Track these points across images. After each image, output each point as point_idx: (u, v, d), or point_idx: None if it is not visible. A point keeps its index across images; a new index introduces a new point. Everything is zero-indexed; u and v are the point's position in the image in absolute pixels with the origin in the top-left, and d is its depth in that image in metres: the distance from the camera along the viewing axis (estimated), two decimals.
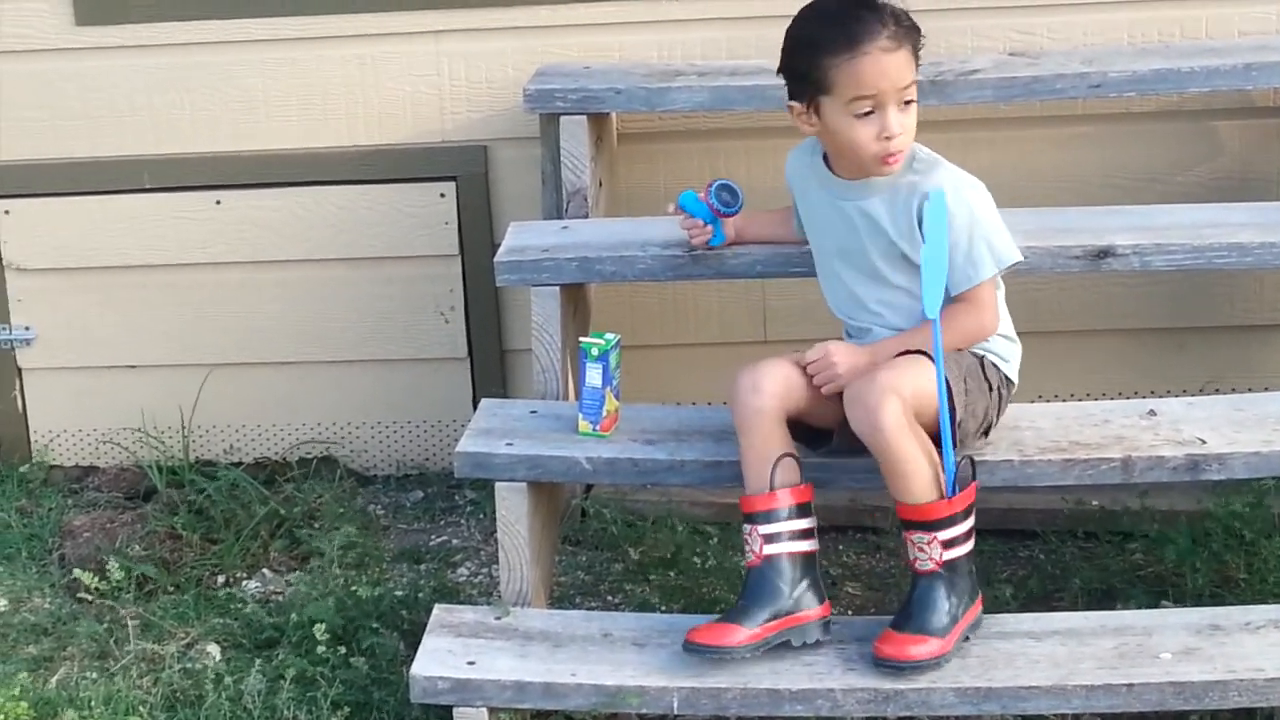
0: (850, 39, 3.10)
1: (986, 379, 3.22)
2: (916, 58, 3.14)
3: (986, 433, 3.23)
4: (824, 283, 3.36)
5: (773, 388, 3.15)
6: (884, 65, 3.10)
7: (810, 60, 3.13)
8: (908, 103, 3.12)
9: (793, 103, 3.20)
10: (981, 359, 3.23)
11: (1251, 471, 3.23)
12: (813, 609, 3.14)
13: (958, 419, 3.11)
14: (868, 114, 3.12)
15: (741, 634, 3.06)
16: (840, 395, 3.15)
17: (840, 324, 3.38)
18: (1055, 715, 3.10)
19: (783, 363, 3.20)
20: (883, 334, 3.25)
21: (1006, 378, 3.28)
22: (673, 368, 4.21)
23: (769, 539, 3.10)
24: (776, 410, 3.15)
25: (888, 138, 3.11)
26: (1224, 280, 4.02)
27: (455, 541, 4.08)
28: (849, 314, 3.31)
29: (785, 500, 3.11)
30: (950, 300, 3.17)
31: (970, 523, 3.12)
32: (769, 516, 3.11)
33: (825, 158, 3.27)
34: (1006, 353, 3.28)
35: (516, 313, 4.20)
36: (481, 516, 4.12)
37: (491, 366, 4.29)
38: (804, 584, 3.13)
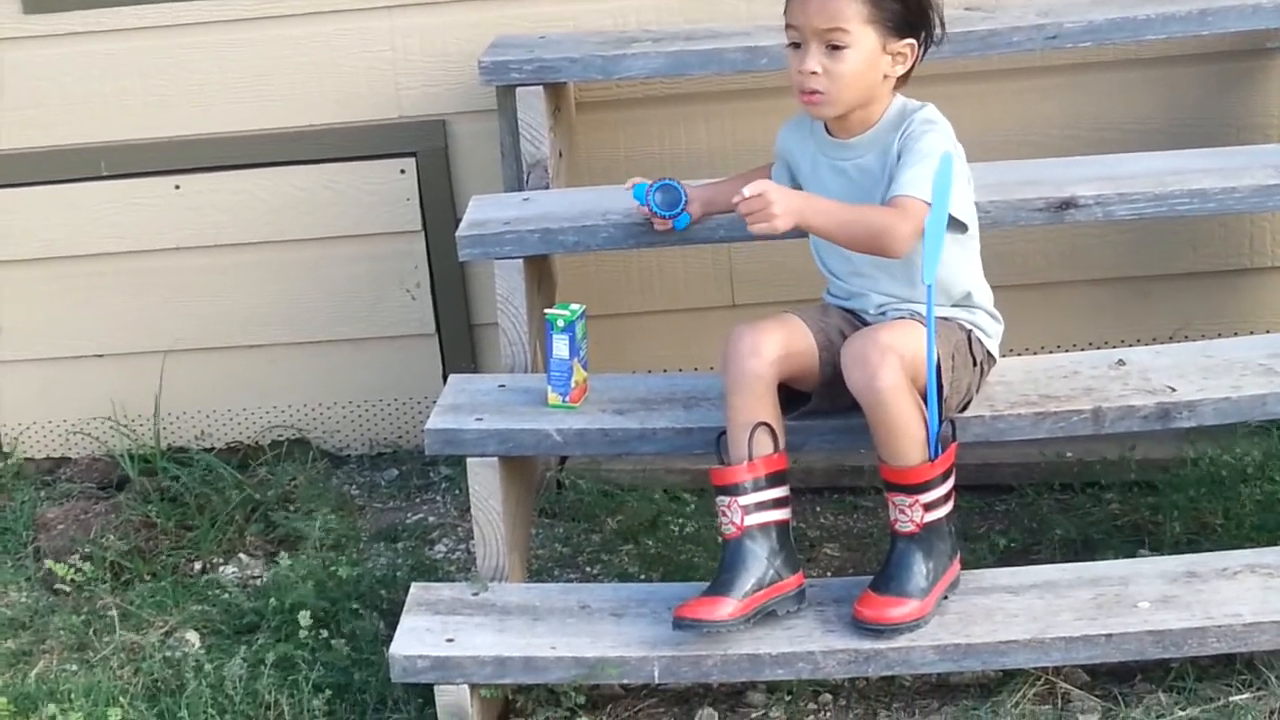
0: None
1: (972, 354, 3.22)
2: (879, 11, 3.11)
3: (965, 407, 3.23)
4: (820, 250, 3.33)
5: (773, 352, 3.13)
6: (807, 0, 3.11)
7: None
8: (835, 47, 3.11)
9: None
10: (969, 334, 3.23)
11: (1221, 418, 3.23)
12: (791, 578, 3.14)
13: (945, 395, 3.11)
14: (794, 45, 3.15)
15: (729, 606, 3.06)
16: (830, 359, 3.14)
17: (817, 287, 3.36)
18: (1035, 668, 3.12)
19: (783, 324, 3.18)
20: (877, 299, 3.24)
21: (989, 353, 3.28)
22: (641, 336, 4.21)
23: (748, 510, 3.10)
24: (772, 376, 3.13)
25: (800, 73, 3.12)
26: (1187, 227, 4.02)
27: (431, 519, 4.08)
28: (844, 278, 3.29)
29: (762, 470, 3.11)
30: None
31: (950, 484, 3.13)
32: (749, 487, 3.10)
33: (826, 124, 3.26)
34: (991, 329, 3.28)
35: (483, 286, 4.18)
36: (457, 492, 4.12)
37: (460, 341, 4.27)
38: (782, 553, 3.13)
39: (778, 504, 3.13)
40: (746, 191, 3.06)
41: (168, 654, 3.49)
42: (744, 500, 3.10)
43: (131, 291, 4.29)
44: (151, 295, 4.29)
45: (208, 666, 3.40)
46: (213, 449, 4.30)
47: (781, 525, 3.14)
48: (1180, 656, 3.09)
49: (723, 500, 3.12)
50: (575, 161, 4.11)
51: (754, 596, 3.08)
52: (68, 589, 3.77)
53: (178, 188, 4.23)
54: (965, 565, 3.23)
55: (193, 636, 3.57)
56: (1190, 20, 3.77)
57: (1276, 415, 3.28)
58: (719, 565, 3.13)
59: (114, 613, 3.67)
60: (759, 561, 3.09)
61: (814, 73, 3.12)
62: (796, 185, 3.35)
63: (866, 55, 3.13)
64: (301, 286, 4.26)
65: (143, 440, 4.30)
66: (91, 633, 3.61)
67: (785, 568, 3.13)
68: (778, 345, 3.14)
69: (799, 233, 3.28)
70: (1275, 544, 3.36)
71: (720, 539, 3.15)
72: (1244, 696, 3.09)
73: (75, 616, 3.67)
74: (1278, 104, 4.00)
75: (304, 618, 3.42)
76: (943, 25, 3.22)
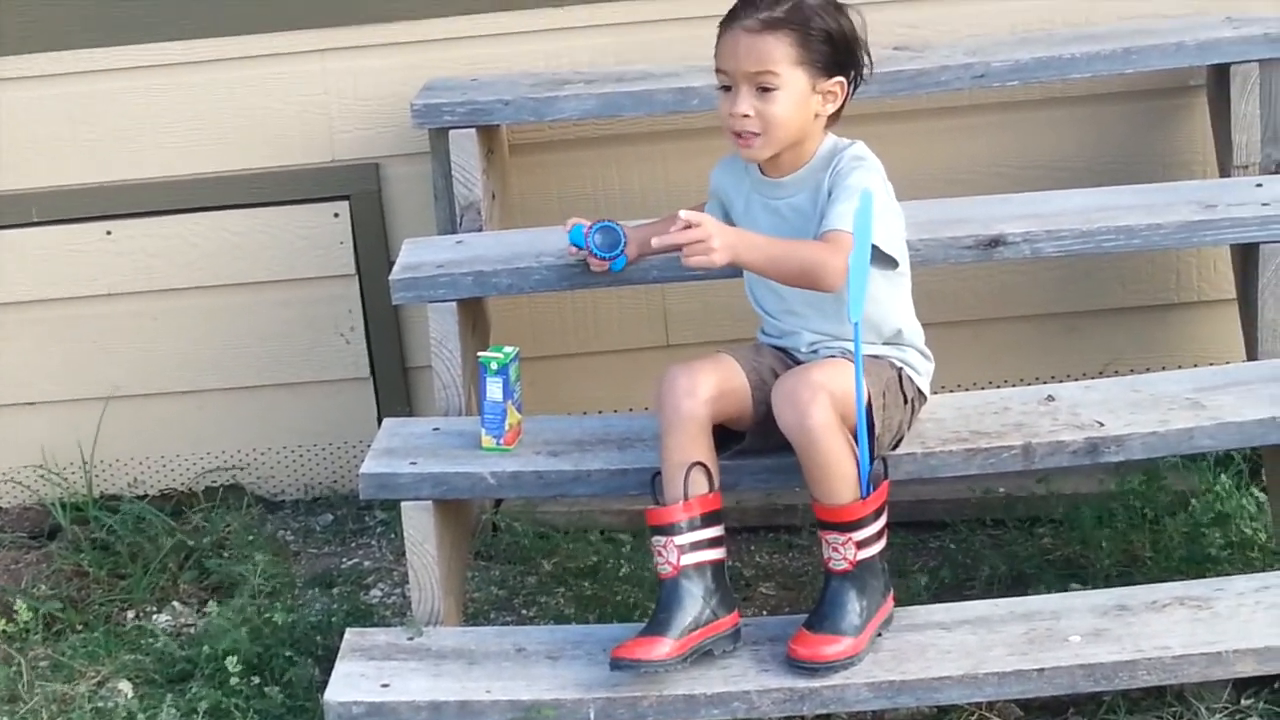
0: (729, 14, 3.18)
1: (903, 391, 3.24)
2: (807, 52, 3.14)
3: (897, 445, 3.25)
4: (754, 288, 3.35)
5: (708, 393, 3.14)
6: (736, 44, 3.15)
7: None
8: (765, 89, 3.13)
9: None
10: (900, 371, 3.25)
11: (1149, 452, 3.27)
12: (727, 617, 3.15)
13: (876, 433, 3.13)
14: (725, 88, 3.17)
15: (666, 646, 3.06)
16: (763, 398, 3.15)
17: (750, 326, 3.38)
18: (969, 703, 3.13)
19: (717, 364, 3.20)
20: (809, 337, 3.26)
21: (920, 391, 3.30)
22: (576, 377, 4.21)
23: (684, 549, 3.10)
24: (707, 416, 3.14)
25: (732, 115, 3.14)
26: (1115, 263, 4.05)
27: (367, 563, 4.06)
28: (777, 316, 3.31)
29: (698, 509, 3.11)
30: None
31: (883, 521, 3.15)
32: (684, 527, 3.10)
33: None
34: (922, 367, 3.31)
35: (417, 330, 4.18)
36: (393, 537, 4.10)
37: (395, 385, 4.27)
38: (718, 592, 3.13)
39: (713, 543, 3.14)
40: (684, 217, 3.07)
41: (99, 704, 3.46)
42: (680, 540, 3.10)
43: (64, 338, 4.26)
44: (84, 342, 4.26)
45: (140, 717, 3.38)
46: (146, 496, 4.27)
47: (717, 564, 3.15)
48: (1111, 690, 3.11)
49: (658, 540, 3.12)
50: (509, 203, 4.12)
51: (691, 636, 3.08)
52: None
53: (109, 233, 4.21)
54: (899, 602, 3.25)
55: (125, 686, 3.54)
56: (1115, 59, 3.81)
57: (1204, 448, 3.32)
58: (655, 605, 3.13)
59: (45, 663, 3.64)
60: (695, 601, 3.10)
61: (746, 115, 3.15)
62: (731, 223, 3.37)
63: (797, 96, 3.16)
64: (235, 331, 4.25)
65: (75, 489, 4.27)
66: (21, 685, 3.57)
67: (721, 607, 3.13)
68: (712, 385, 3.15)
69: (733, 272, 3.31)
70: (1203, 576, 3.39)
71: (656, 579, 3.15)
72: None
73: (7, 667, 3.63)
74: (1203, 141, 4.04)
75: (232, 663, 3.40)
76: (870, 63, 3.24)
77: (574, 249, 3.47)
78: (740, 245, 3.11)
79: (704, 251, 3.06)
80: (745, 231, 3.21)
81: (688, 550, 3.10)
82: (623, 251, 3.43)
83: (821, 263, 3.09)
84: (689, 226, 3.07)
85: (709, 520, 3.13)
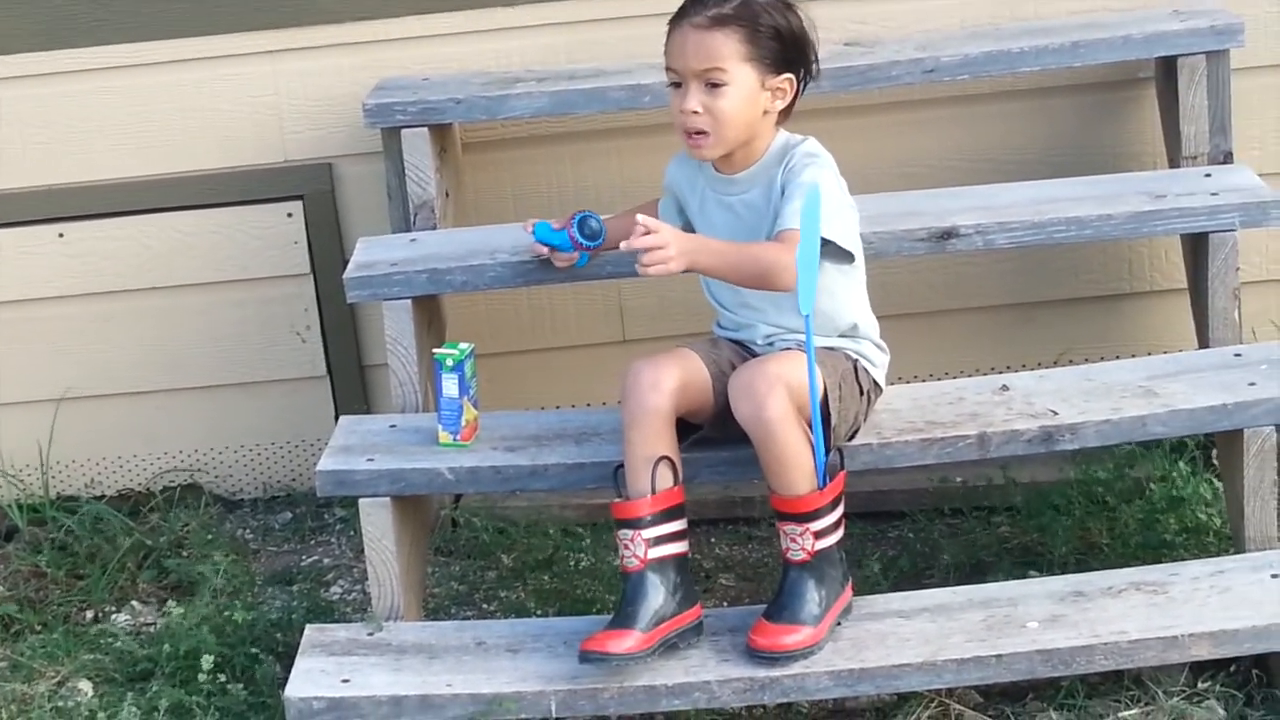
0: (678, 11, 3.20)
1: (859, 383, 3.26)
2: (756, 49, 3.16)
3: (853, 436, 3.27)
4: (710, 283, 3.35)
5: (671, 385, 3.15)
6: (685, 41, 3.17)
7: None
8: (714, 85, 3.15)
9: None
10: (855, 363, 3.27)
11: (1103, 440, 3.29)
12: (691, 609, 3.16)
13: (832, 424, 3.15)
14: (675, 85, 3.19)
15: (634, 639, 3.07)
16: (722, 389, 3.16)
17: (706, 320, 3.39)
18: (929, 690, 3.15)
19: (679, 358, 3.21)
20: (765, 330, 3.28)
21: (875, 382, 3.32)
22: (534, 373, 4.22)
23: (650, 543, 3.11)
24: (670, 410, 3.15)
25: (682, 112, 3.16)
26: (1068, 253, 4.08)
27: (327, 561, 4.06)
28: (733, 309, 3.33)
29: (663, 504, 3.12)
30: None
31: (840, 512, 3.16)
32: (651, 521, 3.11)
33: None
34: (877, 359, 3.33)
35: (373, 328, 4.17)
36: (352, 534, 4.10)
37: (352, 383, 4.26)
38: (683, 586, 3.15)
39: (676, 537, 3.15)
40: (643, 226, 3.08)
41: (59, 704, 3.46)
42: (646, 534, 3.11)
43: (18, 340, 4.24)
44: (39, 344, 4.24)
45: (101, 716, 3.37)
46: (103, 497, 4.26)
47: (680, 557, 3.16)
48: (1069, 675, 3.14)
49: (625, 534, 3.12)
50: (462, 202, 4.12)
51: (657, 629, 3.09)
52: None
53: (62, 235, 4.20)
54: (859, 591, 3.27)
55: (85, 686, 3.53)
56: (1063, 52, 3.84)
57: (1157, 435, 3.34)
58: (621, 598, 3.14)
59: (3, 664, 3.63)
60: (661, 594, 3.11)
61: (695, 112, 3.16)
62: (685, 218, 3.39)
63: (746, 93, 3.17)
64: (190, 332, 4.24)
65: (31, 490, 4.26)
66: None
67: (685, 600, 3.15)
68: (676, 379, 3.17)
69: None
70: (1159, 562, 3.42)
71: (621, 572, 3.16)
72: (1132, 712, 3.14)
73: None
74: (1153, 132, 4.07)
75: (207, 661, 3.39)
76: (817, 59, 3.26)
77: (541, 247, 3.47)
78: (697, 252, 3.13)
79: (661, 260, 3.08)
80: (701, 238, 3.23)
81: (654, 544, 3.11)
82: (601, 243, 3.43)
83: (778, 264, 3.10)
84: (648, 233, 3.08)
85: (673, 514, 3.15)
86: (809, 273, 3.07)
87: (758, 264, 3.13)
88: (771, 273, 3.11)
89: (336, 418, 4.08)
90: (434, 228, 3.87)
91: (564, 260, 3.48)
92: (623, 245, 3.13)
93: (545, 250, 3.48)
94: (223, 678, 3.42)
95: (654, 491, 3.12)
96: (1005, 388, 3.43)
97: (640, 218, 3.11)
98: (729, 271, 3.17)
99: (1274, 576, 3.19)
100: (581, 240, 3.42)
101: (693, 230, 3.35)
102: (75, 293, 4.22)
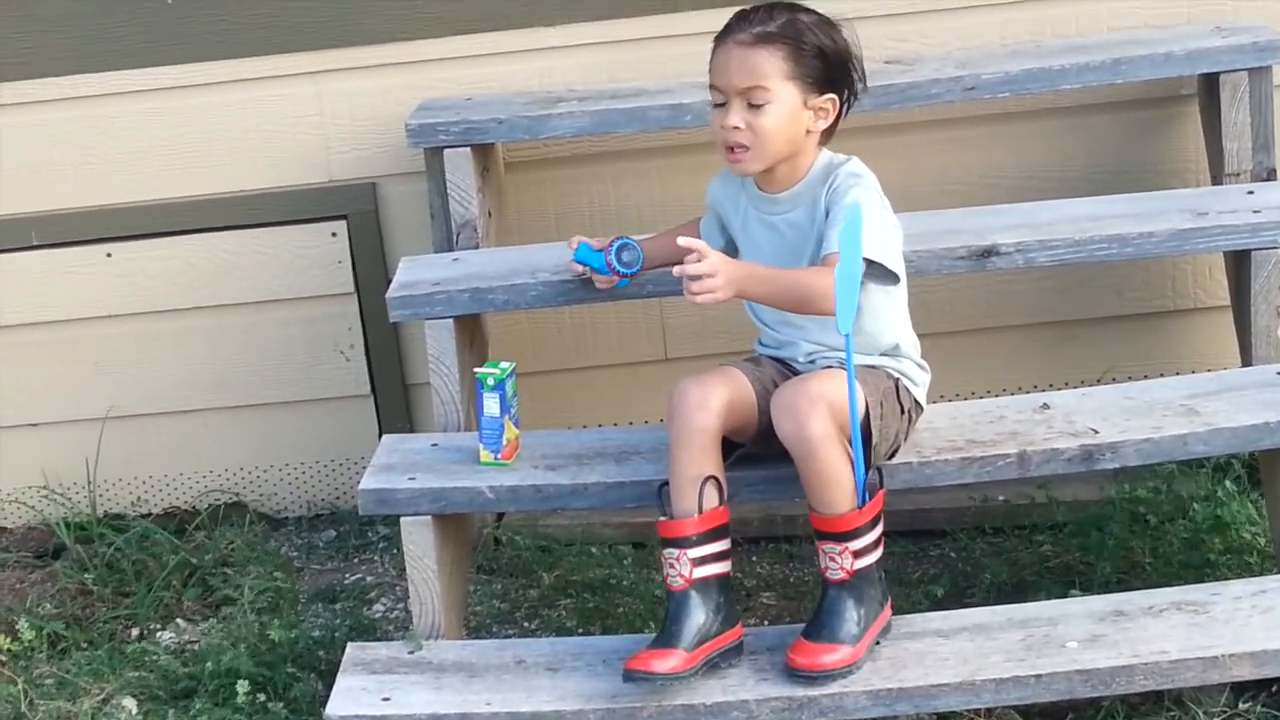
0: (723, 29, 3.21)
1: (900, 402, 3.25)
2: (799, 67, 3.16)
3: (893, 455, 3.26)
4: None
5: (719, 405, 3.15)
6: (729, 59, 3.17)
7: None
8: (757, 105, 3.16)
9: None
10: (897, 382, 3.27)
11: (1144, 459, 3.28)
12: (733, 629, 3.16)
13: (873, 442, 3.14)
14: (720, 105, 3.19)
15: (678, 659, 3.07)
16: (766, 408, 3.16)
17: (748, 338, 3.40)
18: (967, 710, 3.14)
19: (726, 377, 3.20)
20: (807, 348, 3.28)
21: (917, 401, 3.31)
22: (576, 392, 4.23)
23: (697, 562, 3.11)
24: (718, 429, 3.15)
25: (723, 128, 3.17)
26: (1110, 271, 4.07)
27: (370, 579, 4.08)
28: (774, 327, 3.33)
29: (709, 523, 3.12)
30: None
31: (879, 531, 3.16)
32: (697, 541, 3.11)
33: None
34: (919, 378, 3.32)
35: (417, 347, 4.18)
36: (395, 552, 4.11)
37: (395, 402, 4.29)
38: (726, 605, 3.15)
39: (720, 557, 3.15)
40: (695, 253, 3.07)
41: None
42: (692, 553, 3.11)
43: (65, 360, 4.28)
44: (85, 363, 4.29)
45: None
46: (149, 515, 4.30)
47: (724, 577, 3.16)
48: (1109, 695, 3.12)
49: (671, 553, 3.12)
50: (505, 221, 4.14)
51: (700, 649, 3.09)
52: (3, 659, 3.75)
53: (109, 255, 4.24)
54: (900, 610, 3.26)
55: (130, 703, 3.56)
56: (1104, 69, 3.83)
57: (1198, 454, 3.32)
58: (665, 617, 3.14)
59: (50, 681, 3.66)
60: (704, 613, 3.11)
61: (736, 127, 3.17)
62: (728, 237, 3.40)
63: (788, 111, 3.18)
64: (235, 351, 4.27)
65: (79, 508, 4.29)
66: (26, 703, 3.59)
67: (728, 620, 3.15)
68: (723, 398, 3.16)
69: None
70: (1202, 581, 3.40)
71: (665, 591, 3.16)
72: None
73: (11, 687, 3.65)
74: (1195, 149, 4.06)
75: (243, 685, 3.41)
76: (864, 79, 3.27)
77: (578, 266, 3.49)
78: (744, 280, 3.13)
79: (710, 289, 3.07)
80: (749, 265, 3.22)
81: (699, 563, 3.12)
82: (638, 271, 3.45)
83: (819, 289, 3.10)
84: (699, 259, 3.07)
85: (719, 533, 3.15)
86: (848, 292, 3.07)
87: (802, 290, 3.13)
88: (819, 299, 3.11)
89: (380, 436, 4.11)
90: (476, 247, 3.89)
91: (604, 282, 3.49)
92: (675, 270, 3.10)
93: (582, 270, 3.49)
94: (263, 697, 3.44)
95: (701, 511, 3.12)
96: (1046, 406, 3.42)
97: (686, 241, 3.11)
98: (775, 298, 3.19)
99: None
100: (618, 267, 3.43)
101: (735, 249, 3.36)
102: (121, 312, 4.26)
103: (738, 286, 3.10)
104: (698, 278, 3.06)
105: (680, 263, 3.08)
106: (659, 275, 3.53)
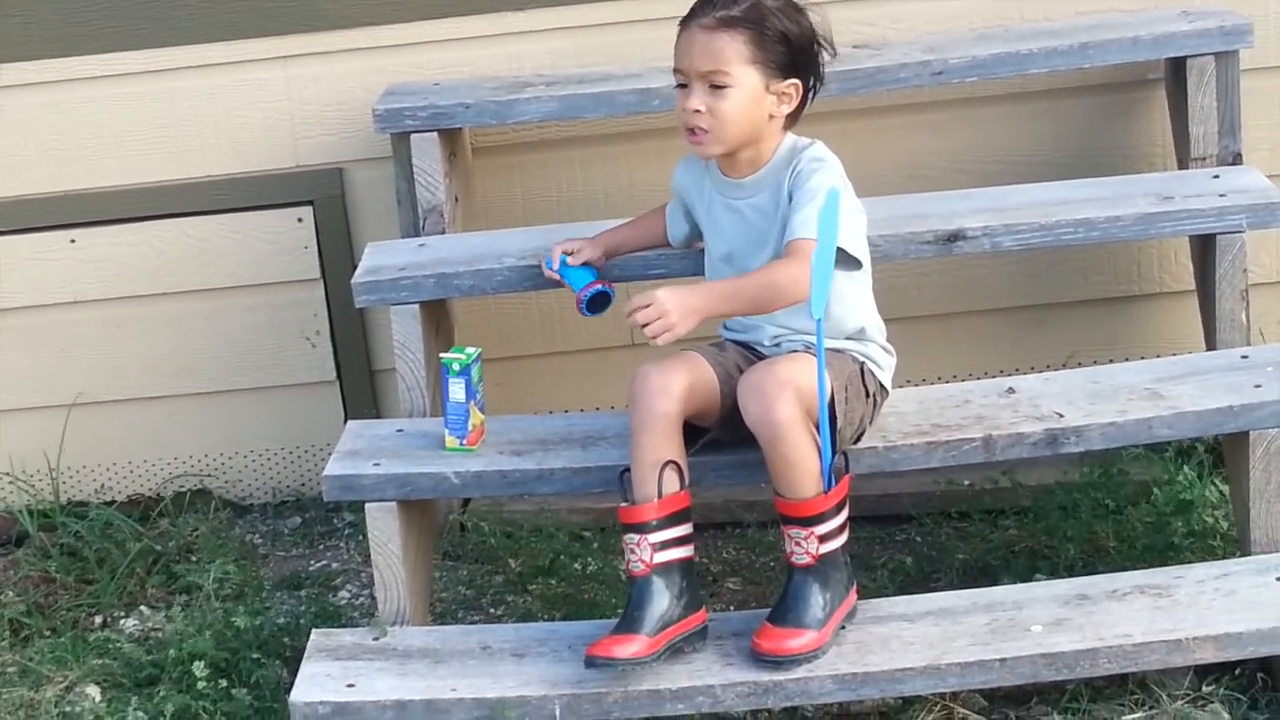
0: (688, 13, 3.21)
1: (865, 386, 3.25)
2: (761, 52, 3.16)
3: (858, 439, 3.26)
4: (713, 280, 3.35)
5: (679, 389, 3.15)
6: (692, 42, 3.18)
7: None
8: (718, 87, 3.15)
9: None
10: (862, 366, 3.27)
11: (1108, 442, 3.29)
12: (696, 613, 3.16)
13: (838, 426, 3.14)
14: (682, 86, 3.20)
15: (640, 643, 3.07)
16: (729, 393, 3.16)
17: (714, 323, 3.38)
18: (933, 694, 3.15)
19: (687, 362, 3.21)
20: (772, 331, 3.28)
21: (882, 385, 3.32)
22: (542, 377, 4.22)
23: (657, 547, 3.11)
24: (679, 414, 3.15)
25: (684, 110, 3.17)
26: (1077, 256, 4.08)
27: (335, 565, 4.07)
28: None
29: (669, 508, 3.12)
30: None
31: (844, 515, 3.16)
32: (657, 526, 3.11)
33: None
34: (884, 362, 3.32)
35: (383, 333, 4.16)
36: (360, 538, 4.09)
37: (361, 388, 4.28)
38: (689, 590, 3.15)
39: (682, 541, 3.15)
40: (639, 310, 3.05)
41: (67, 709, 3.47)
42: (653, 538, 3.11)
43: (29, 346, 4.26)
44: (49, 349, 4.26)
45: None
46: (113, 502, 4.27)
47: (686, 562, 3.16)
48: (1074, 678, 3.13)
49: (631, 538, 3.12)
50: (472, 206, 4.13)
51: (663, 634, 3.09)
52: None
53: (74, 241, 4.21)
54: (866, 595, 3.27)
55: (93, 691, 3.54)
56: (1072, 54, 3.84)
57: (1162, 438, 3.33)
58: (627, 602, 3.14)
59: (12, 669, 3.64)
60: (666, 598, 3.11)
61: (697, 110, 3.17)
62: (693, 222, 3.39)
63: (749, 95, 3.18)
64: (201, 336, 4.26)
65: (42, 495, 4.27)
66: None
67: (691, 605, 3.15)
68: (683, 383, 3.16)
69: (695, 268, 3.33)
70: (1166, 565, 3.41)
71: (627, 576, 3.16)
72: (1136, 716, 3.14)
73: None
74: (1162, 134, 4.07)
75: (199, 668, 3.40)
76: (832, 59, 3.26)
77: (550, 273, 3.48)
78: (709, 304, 3.12)
79: (665, 328, 3.06)
80: (705, 286, 3.21)
81: (660, 548, 3.11)
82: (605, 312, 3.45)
83: (793, 280, 3.10)
84: (644, 307, 3.05)
85: (679, 518, 3.14)
86: (823, 278, 3.07)
87: (772, 289, 3.13)
88: (790, 291, 3.11)
89: (345, 422, 4.10)
90: (443, 232, 3.88)
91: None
92: (626, 319, 3.08)
93: (557, 277, 3.48)
94: (225, 683, 3.43)
95: (660, 496, 3.12)
96: (1011, 390, 3.42)
97: (635, 298, 3.07)
98: (744, 308, 3.19)
99: (1279, 579, 3.18)
100: (585, 312, 3.43)
101: (700, 234, 3.35)
102: (87, 298, 4.24)
103: (696, 315, 3.08)
104: (648, 323, 3.05)
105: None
106: (624, 262, 3.55)
